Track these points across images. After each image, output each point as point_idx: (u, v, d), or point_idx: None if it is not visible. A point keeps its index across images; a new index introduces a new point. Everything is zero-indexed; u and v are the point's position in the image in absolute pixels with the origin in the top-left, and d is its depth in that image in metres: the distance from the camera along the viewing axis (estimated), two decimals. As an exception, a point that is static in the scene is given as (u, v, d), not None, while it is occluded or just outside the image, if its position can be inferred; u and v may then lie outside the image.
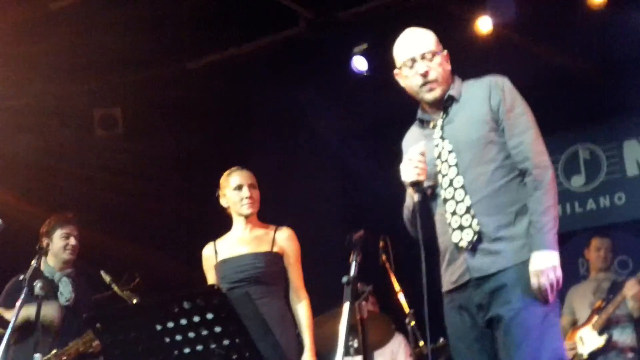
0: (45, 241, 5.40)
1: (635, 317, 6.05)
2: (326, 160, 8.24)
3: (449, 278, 3.54)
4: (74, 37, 6.71)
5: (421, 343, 5.18)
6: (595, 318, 6.19)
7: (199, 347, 3.27)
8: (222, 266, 4.77)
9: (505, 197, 3.45)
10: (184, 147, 7.54)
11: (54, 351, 5.23)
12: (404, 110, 3.88)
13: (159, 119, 7.50)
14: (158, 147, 7.41)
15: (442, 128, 3.60)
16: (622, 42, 6.90)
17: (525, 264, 3.35)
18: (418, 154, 3.51)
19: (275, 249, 4.77)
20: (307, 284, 4.75)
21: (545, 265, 3.29)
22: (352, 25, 7.05)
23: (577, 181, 7.46)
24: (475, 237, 3.42)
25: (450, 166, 3.54)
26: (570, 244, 6.51)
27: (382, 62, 6.86)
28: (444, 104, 3.63)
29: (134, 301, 5.05)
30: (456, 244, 3.47)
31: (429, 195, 3.59)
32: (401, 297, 5.27)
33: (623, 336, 6.13)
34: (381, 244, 5.15)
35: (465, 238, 3.44)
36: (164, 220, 6.56)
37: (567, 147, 7.51)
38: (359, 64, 6.96)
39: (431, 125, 3.65)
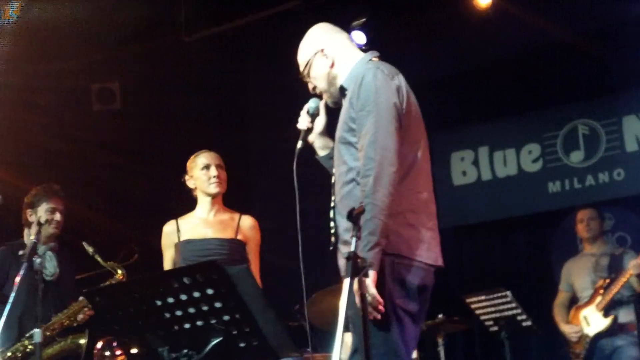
0: (30, 214, 5.27)
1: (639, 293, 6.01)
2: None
3: None
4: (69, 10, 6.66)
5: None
6: (599, 298, 6.13)
7: (199, 323, 3.25)
8: (185, 246, 4.71)
9: (352, 200, 3.33)
10: (181, 121, 7.50)
11: None
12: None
13: (157, 93, 7.45)
14: (155, 121, 7.38)
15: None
16: (623, 17, 6.86)
17: None
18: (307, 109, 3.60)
19: (239, 237, 4.75)
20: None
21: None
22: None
23: (576, 157, 7.42)
24: (333, 238, 3.43)
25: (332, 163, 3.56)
26: (569, 220, 6.47)
27: (380, 36, 6.85)
28: (343, 94, 3.56)
29: (119, 272, 5.05)
30: None
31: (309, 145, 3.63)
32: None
33: (629, 315, 6.08)
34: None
35: (332, 239, 3.45)
36: (162, 196, 6.53)
37: (567, 123, 7.46)
38: (358, 38, 6.89)
39: None
